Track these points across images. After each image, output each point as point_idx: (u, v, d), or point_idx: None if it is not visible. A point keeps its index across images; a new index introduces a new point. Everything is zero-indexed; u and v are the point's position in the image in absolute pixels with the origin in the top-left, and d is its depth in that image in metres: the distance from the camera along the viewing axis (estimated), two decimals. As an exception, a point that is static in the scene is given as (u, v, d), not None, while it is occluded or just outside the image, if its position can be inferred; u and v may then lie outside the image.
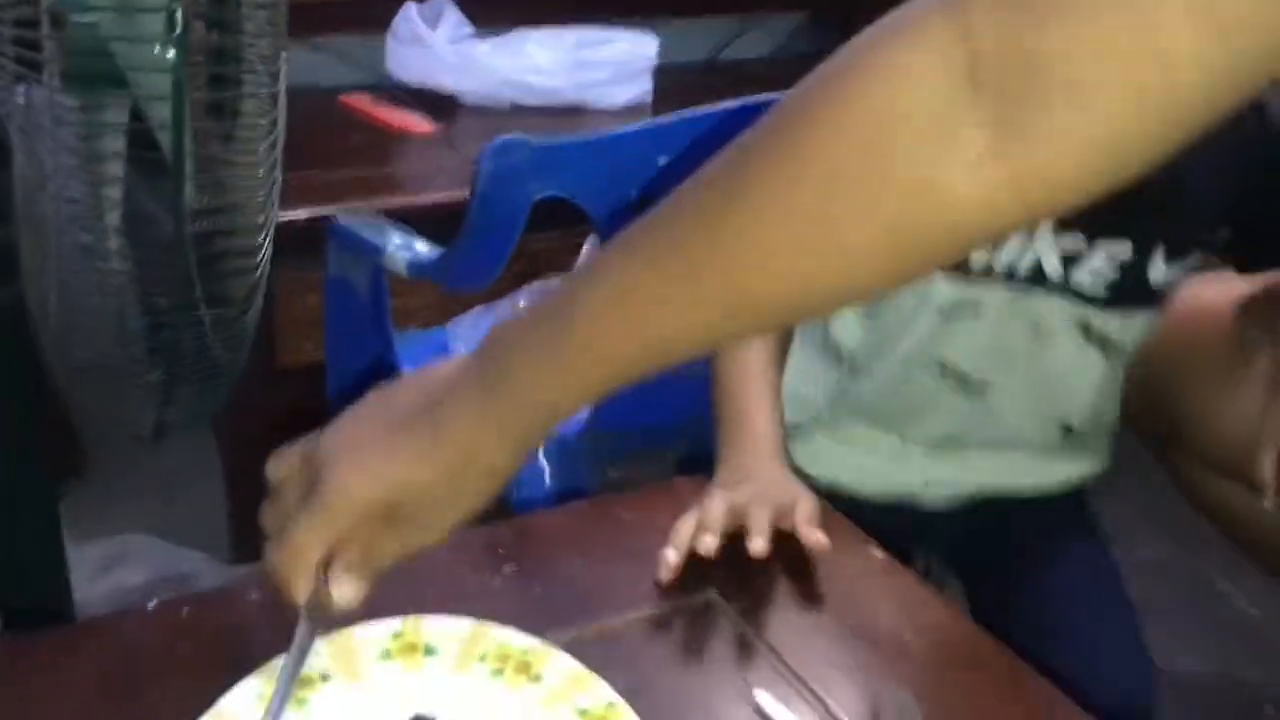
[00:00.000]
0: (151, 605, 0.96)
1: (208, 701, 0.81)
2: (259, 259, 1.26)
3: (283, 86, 1.17)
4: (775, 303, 0.66)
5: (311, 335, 2.01)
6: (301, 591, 0.76)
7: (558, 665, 0.86)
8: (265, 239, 1.26)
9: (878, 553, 1.06)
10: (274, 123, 1.17)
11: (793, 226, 0.62)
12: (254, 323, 1.30)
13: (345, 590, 0.76)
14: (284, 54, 1.15)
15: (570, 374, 0.70)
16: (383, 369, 1.84)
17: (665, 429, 1.69)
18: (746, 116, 0.66)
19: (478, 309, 1.94)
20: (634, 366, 0.70)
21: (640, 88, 2.42)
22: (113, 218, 1.13)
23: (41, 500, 1.47)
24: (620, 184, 1.52)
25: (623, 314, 0.68)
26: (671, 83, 2.44)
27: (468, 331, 1.86)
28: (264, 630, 0.88)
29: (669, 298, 0.66)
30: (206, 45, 1.10)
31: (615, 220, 1.52)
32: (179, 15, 1.03)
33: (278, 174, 1.23)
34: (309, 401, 1.95)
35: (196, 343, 1.21)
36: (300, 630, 0.80)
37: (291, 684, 0.79)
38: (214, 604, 1.00)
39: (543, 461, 1.70)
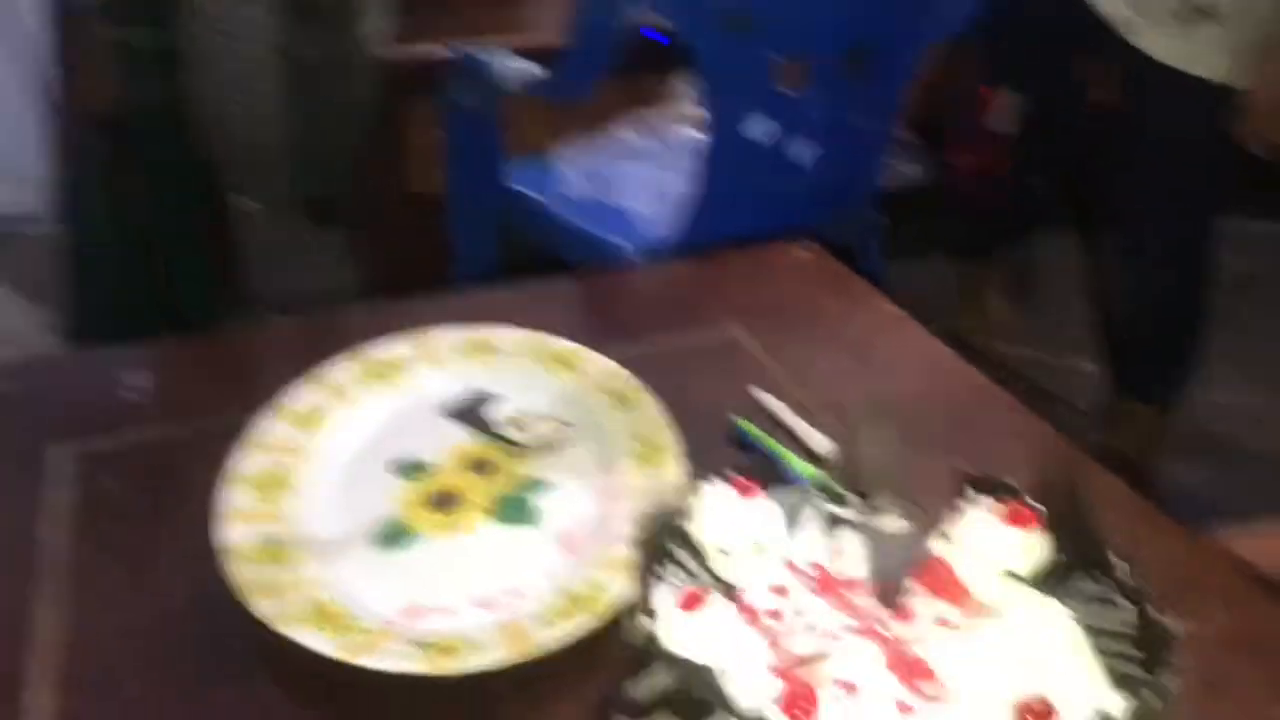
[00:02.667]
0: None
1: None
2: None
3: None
4: None
5: (437, 164, 2.22)
6: None
7: (595, 361, 1.05)
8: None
9: (893, 308, 1.21)
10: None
11: None
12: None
13: None
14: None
15: None
16: (496, 191, 2.04)
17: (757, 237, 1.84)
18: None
19: (581, 139, 2.12)
20: None
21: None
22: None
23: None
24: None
25: None
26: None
27: (573, 155, 2.04)
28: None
29: None
30: None
31: (706, 44, 1.67)
32: None
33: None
34: (436, 223, 2.17)
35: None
36: None
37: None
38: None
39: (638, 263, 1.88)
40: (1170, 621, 0.60)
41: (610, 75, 1.74)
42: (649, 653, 0.58)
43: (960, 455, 0.98)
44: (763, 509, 0.71)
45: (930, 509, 0.91)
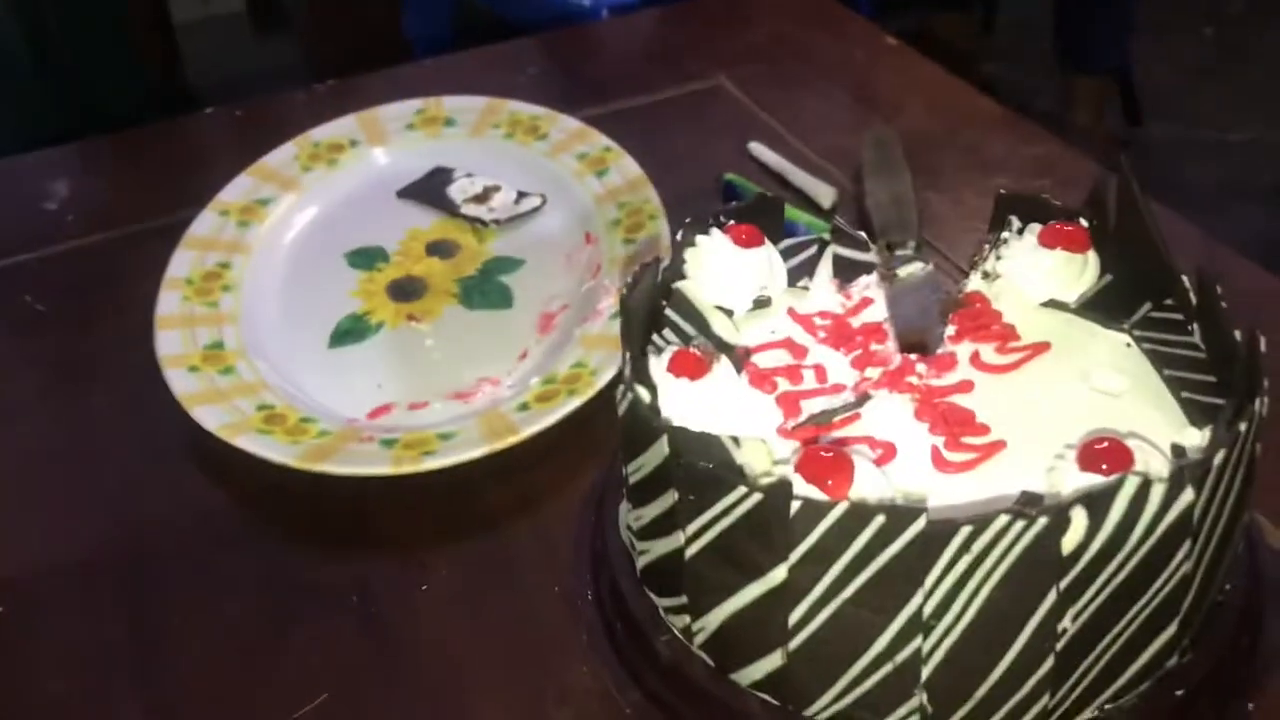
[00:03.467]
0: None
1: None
2: None
3: None
4: None
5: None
6: None
7: (563, 125, 0.93)
8: None
9: (891, 40, 1.08)
10: None
11: None
12: None
13: None
14: None
15: None
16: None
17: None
18: None
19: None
20: None
21: None
22: None
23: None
24: None
25: None
26: None
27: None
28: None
29: None
30: None
31: None
32: None
33: None
34: (391, 17, 2.00)
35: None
36: None
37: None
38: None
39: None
40: (1250, 338, 0.51)
41: None
42: (645, 428, 0.49)
43: (986, 191, 0.88)
44: (765, 259, 0.61)
45: (956, 246, 0.83)
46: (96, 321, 0.83)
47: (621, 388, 0.51)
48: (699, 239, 0.61)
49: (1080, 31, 2.16)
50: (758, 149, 0.94)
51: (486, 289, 0.81)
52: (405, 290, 0.81)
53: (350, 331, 0.78)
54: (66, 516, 0.70)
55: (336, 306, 0.80)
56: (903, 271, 0.64)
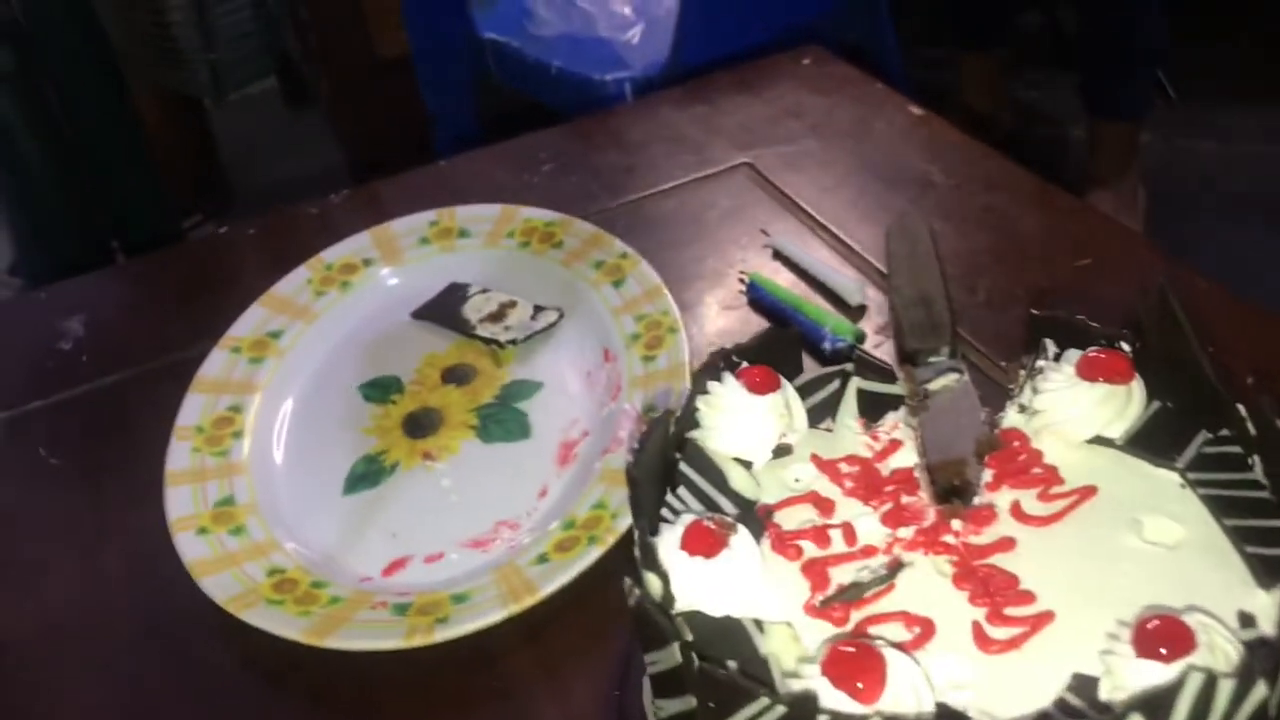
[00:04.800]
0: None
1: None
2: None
3: None
4: None
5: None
6: None
7: (578, 230, 0.90)
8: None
9: (915, 109, 1.04)
10: None
11: None
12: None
13: None
14: None
15: None
16: (464, 41, 1.85)
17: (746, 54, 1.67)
18: None
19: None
20: None
21: None
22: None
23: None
24: None
25: None
26: None
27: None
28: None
29: None
30: None
31: None
32: None
33: None
34: (412, 89, 2.00)
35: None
36: None
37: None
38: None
39: (629, 98, 1.71)
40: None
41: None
42: (657, 628, 0.46)
43: (1023, 280, 0.84)
44: (783, 403, 0.57)
45: (991, 342, 0.78)
46: (109, 473, 0.81)
47: (628, 581, 0.47)
48: (711, 386, 0.57)
49: (1104, 78, 2.08)
50: (781, 243, 0.90)
51: (504, 419, 0.78)
52: (421, 424, 0.78)
53: (365, 476, 0.75)
54: (72, 691, 0.67)
55: (351, 447, 0.77)
56: (936, 385, 0.60)
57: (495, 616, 0.62)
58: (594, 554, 0.64)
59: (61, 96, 1.40)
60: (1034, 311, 0.59)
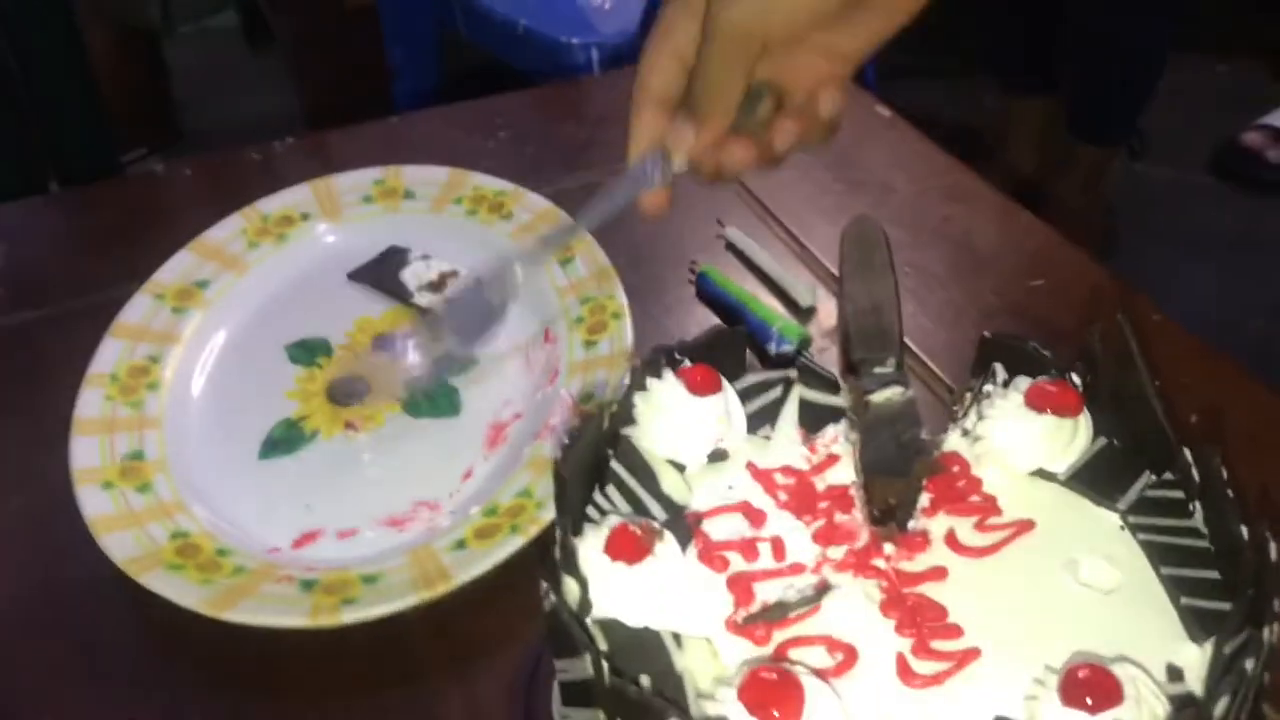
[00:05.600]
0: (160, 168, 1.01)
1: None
2: None
3: None
4: None
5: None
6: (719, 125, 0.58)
7: (530, 203, 0.87)
8: None
9: (884, 110, 1.02)
10: None
11: None
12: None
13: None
14: None
15: None
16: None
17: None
18: None
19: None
20: None
21: None
22: None
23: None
24: None
25: None
26: None
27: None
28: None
29: None
30: None
31: None
32: None
33: None
34: (375, 42, 1.95)
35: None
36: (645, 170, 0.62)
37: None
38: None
39: (596, 67, 1.68)
40: (1257, 540, 0.45)
41: None
42: (570, 638, 0.44)
43: (975, 296, 0.83)
44: (723, 407, 0.55)
45: (939, 356, 0.77)
46: (15, 418, 0.77)
47: (544, 585, 0.45)
48: (650, 383, 0.55)
49: (1093, 104, 2.06)
50: (735, 234, 0.88)
51: (434, 393, 0.75)
52: (346, 391, 0.76)
53: (283, 441, 0.72)
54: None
55: (271, 409, 0.74)
56: (878, 397, 0.58)
57: (404, 602, 0.59)
58: (514, 544, 0.62)
59: (3, 17, 1.34)
60: (985, 334, 0.58)
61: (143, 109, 2.23)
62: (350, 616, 0.59)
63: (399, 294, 0.82)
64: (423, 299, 0.81)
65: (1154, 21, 1.95)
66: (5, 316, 0.85)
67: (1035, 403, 0.53)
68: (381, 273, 0.84)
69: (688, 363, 0.56)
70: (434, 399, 0.74)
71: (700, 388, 0.55)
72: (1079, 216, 2.04)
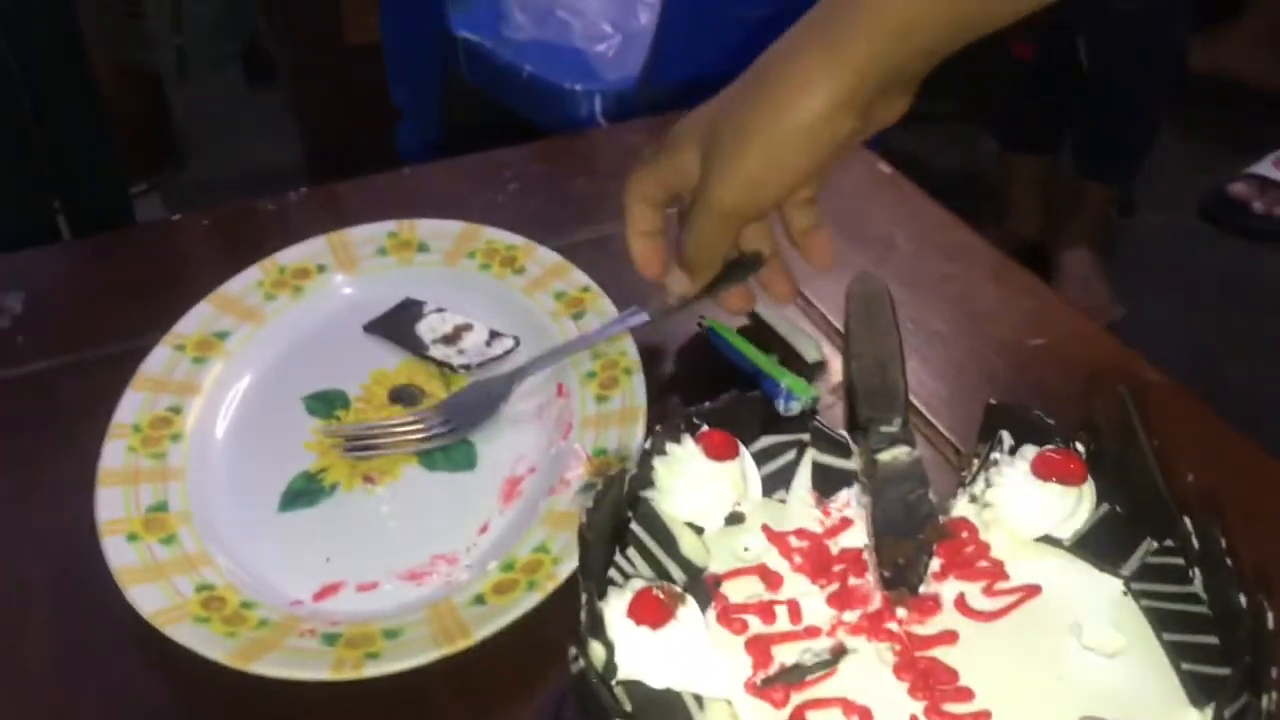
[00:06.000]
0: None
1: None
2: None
3: None
4: None
5: (376, 12, 2.01)
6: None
7: (541, 258, 0.89)
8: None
9: (884, 167, 1.05)
10: None
11: None
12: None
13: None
14: None
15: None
16: (436, 37, 1.84)
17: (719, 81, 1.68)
18: None
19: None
20: None
21: None
22: None
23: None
24: None
25: None
26: None
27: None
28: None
29: None
30: None
31: None
32: None
33: None
34: (376, 80, 1.97)
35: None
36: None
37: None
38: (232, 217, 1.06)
39: (600, 120, 1.70)
40: (1255, 608, 0.47)
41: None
42: (597, 701, 0.45)
43: (977, 355, 0.85)
44: (739, 471, 0.57)
45: (940, 413, 0.79)
46: (37, 468, 0.78)
47: (573, 650, 0.47)
48: (669, 447, 0.57)
49: (1098, 141, 2.10)
50: (742, 290, 0.90)
51: (450, 446, 0.77)
52: (363, 443, 0.77)
53: (302, 493, 0.74)
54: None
55: (291, 461, 0.76)
56: (885, 455, 0.60)
57: (426, 657, 0.61)
58: (532, 599, 0.64)
59: (20, 61, 1.36)
60: (991, 402, 0.60)
61: (144, 142, 2.25)
62: (372, 671, 0.61)
63: (415, 347, 0.84)
64: (437, 352, 0.83)
65: (1162, 69, 2.01)
66: (24, 365, 0.87)
67: (1041, 471, 0.55)
68: (397, 325, 0.86)
69: (705, 428, 0.58)
70: (449, 452, 0.76)
71: (718, 452, 0.57)
72: (1092, 258, 2.06)
